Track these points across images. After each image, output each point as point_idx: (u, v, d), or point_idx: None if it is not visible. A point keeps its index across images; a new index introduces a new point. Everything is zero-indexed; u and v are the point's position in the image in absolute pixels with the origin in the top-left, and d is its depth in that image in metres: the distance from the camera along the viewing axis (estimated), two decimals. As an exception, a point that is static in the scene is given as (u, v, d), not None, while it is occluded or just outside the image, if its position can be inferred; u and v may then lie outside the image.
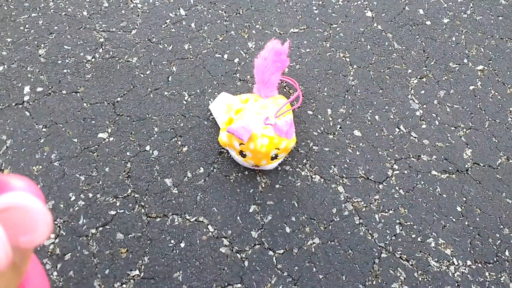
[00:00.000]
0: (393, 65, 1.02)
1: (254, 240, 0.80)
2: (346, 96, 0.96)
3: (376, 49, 1.04)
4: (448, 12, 1.13)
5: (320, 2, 1.10)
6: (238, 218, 0.81)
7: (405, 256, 0.80)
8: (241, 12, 1.06)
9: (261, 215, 0.82)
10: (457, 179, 0.89)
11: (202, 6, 1.06)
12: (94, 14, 1.02)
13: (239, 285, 0.75)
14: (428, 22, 1.10)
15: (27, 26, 0.98)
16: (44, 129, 0.86)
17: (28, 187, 0.19)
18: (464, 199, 0.87)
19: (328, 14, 1.08)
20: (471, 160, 0.91)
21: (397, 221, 0.83)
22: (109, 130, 0.87)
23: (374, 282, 0.77)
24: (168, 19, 1.03)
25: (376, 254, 0.80)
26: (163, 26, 1.02)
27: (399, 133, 0.93)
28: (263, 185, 0.85)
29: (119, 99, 0.91)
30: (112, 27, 1.01)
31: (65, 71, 0.93)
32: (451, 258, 0.81)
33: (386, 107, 0.96)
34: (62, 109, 0.88)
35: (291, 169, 0.87)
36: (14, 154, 0.82)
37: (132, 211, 0.80)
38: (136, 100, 0.91)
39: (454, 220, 0.84)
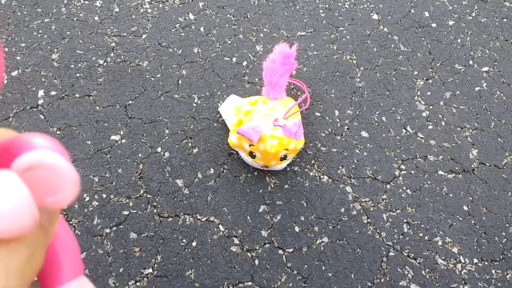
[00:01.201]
0: (400, 67, 1.03)
1: (264, 239, 0.81)
2: (353, 97, 0.98)
3: (382, 51, 1.05)
4: (453, 14, 1.14)
5: (327, 6, 1.12)
6: (248, 217, 0.83)
7: (412, 255, 0.82)
8: (249, 16, 1.08)
9: (271, 215, 0.84)
10: (464, 178, 0.90)
11: (211, 11, 1.08)
12: (105, 19, 1.04)
13: (250, 283, 0.77)
14: (434, 25, 1.11)
15: (40, 31, 1.00)
16: (58, 132, 0.88)
17: (52, 145, 0.18)
18: (471, 198, 0.88)
19: (334, 17, 1.10)
20: (477, 160, 0.92)
21: (405, 220, 0.85)
22: (121, 132, 0.89)
23: (382, 280, 0.79)
24: (177, 24, 1.05)
25: (384, 252, 0.82)
26: (172, 30, 1.04)
27: (406, 134, 0.94)
28: (272, 186, 0.87)
29: (130, 102, 0.93)
30: (123, 32, 1.03)
31: (77, 75, 0.95)
32: (458, 256, 0.82)
33: (393, 108, 0.97)
34: (76, 112, 0.90)
35: (299, 170, 0.88)
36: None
37: (144, 211, 0.81)
38: (147, 103, 0.93)
39: (460, 219, 0.86)
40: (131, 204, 0.82)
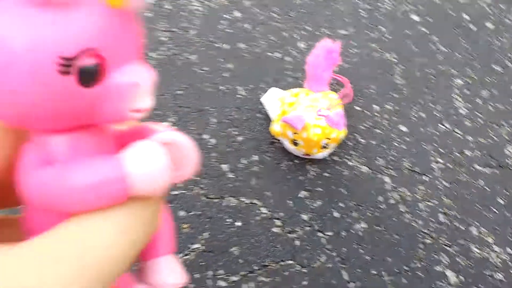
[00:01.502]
0: (438, 66, 1.06)
1: (305, 222, 0.85)
2: (392, 94, 1.01)
3: (422, 51, 1.08)
4: (491, 17, 1.16)
5: (368, 6, 1.16)
6: (289, 202, 0.87)
7: (448, 243, 0.84)
8: (292, 15, 1.13)
9: (311, 200, 0.88)
10: (499, 173, 0.92)
11: (256, 9, 1.14)
12: (157, 16, 1.10)
13: (290, 261, 0.81)
14: (472, 26, 1.14)
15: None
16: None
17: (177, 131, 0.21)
18: (506, 192, 0.90)
19: (375, 17, 1.14)
20: (513, 156, 0.95)
21: (441, 210, 0.88)
22: (171, 120, 0.95)
23: (418, 265, 0.82)
24: (224, 20, 1.11)
25: (421, 239, 0.85)
26: (220, 27, 1.10)
27: (443, 129, 0.97)
28: (313, 173, 0.91)
29: (179, 92, 0.99)
30: (173, 27, 1.09)
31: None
32: (492, 245, 0.84)
33: (431, 105, 1.00)
34: (129, 99, 0.96)
35: (339, 159, 0.92)
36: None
37: (192, 191, 0.87)
38: (195, 94, 0.99)
39: (496, 211, 0.88)
40: (180, 185, 0.87)
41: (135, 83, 0.18)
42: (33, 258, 0.16)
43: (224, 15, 1.12)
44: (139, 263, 0.24)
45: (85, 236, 0.17)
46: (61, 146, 0.19)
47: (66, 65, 0.16)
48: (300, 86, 1.00)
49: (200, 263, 0.80)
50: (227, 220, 0.84)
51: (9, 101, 0.17)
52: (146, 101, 0.19)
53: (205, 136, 0.94)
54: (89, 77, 0.17)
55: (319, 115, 0.84)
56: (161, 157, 0.19)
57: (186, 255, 0.80)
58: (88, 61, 0.16)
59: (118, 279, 0.18)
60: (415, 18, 1.15)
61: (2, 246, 0.16)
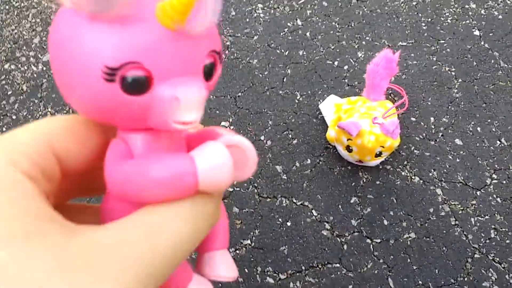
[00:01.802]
0: (498, 82, 1.05)
1: (354, 228, 0.87)
2: (449, 107, 1.02)
3: (482, 66, 1.08)
4: (558, 35, 1.14)
5: (429, 20, 1.16)
6: (340, 206, 0.89)
7: (498, 259, 0.84)
8: (352, 25, 1.15)
9: (361, 207, 0.89)
10: (557, 193, 0.91)
11: (317, 18, 1.16)
12: (222, 21, 1.15)
13: (337, 264, 0.83)
14: (537, 44, 1.12)
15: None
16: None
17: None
18: None
19: (436, 30, 1.14)
20: None
21: (493, 226, 0.87)
22: (231, 120, 0.99)
23: (465, 279, 0.82)
24: (286, 28, 1.14)
25: (470, 254, 0.84)
26: (281, 34, 1.13)
27: (500, 145, 0.96)
28: (365, 180, 0.92)
29: (240, 94, 1.03)
30: (237, 32, 1.13)
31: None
32: (546, 266, 0.83)
33: (489, 120, 1.00)
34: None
35: (391, 169, 0.94)
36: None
37: (246, 190, 0.90)
38: (254, 96, 1.03)
39: (551, 231, 0.87)
40: (234, 182, 0.91)
41: (176, 98, 0.19)
42: (110, 240, 0.18)
43: (287, 23, 1.15)
44: (196, 254, 0.27)
45: (156, 223, 0.20)
46: (138, 143, 0.22)
47: (110, 73, 0.18)
48: (357, 94, 1.02)
49: (251, 259, 0.83)
50: (278, 219, 0.87)
51: (74, 99, 0.20)
52: (190, 115, 0.20)
53: (261, 138, 0.97)
54: (133, 86, 0.19)
55: (375, 123, 0.86)
56: (227, 158, 0.21)
57: (237, 249, 0.83)
58: (132, 73, 0.18)
59: (179, 266, 0.21)
60: (476, 32, 1.14)
61: (84, 226, 0.19)
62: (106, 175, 0.21)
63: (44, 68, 1.15)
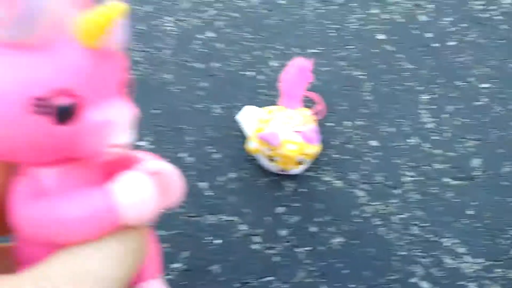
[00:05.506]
0: (405, 83, 1.10)
1: (283, 238, 0.87)
2: (362, 110, 1.05)
3: (389, 68, 1.12)
4: (454, 36, 1.22)
5: (336, 26, 1.20)
6: (267, 218, 0.88)
7: (422, 254, 0.87)
8: (264, 35, 1.16)
9: (288, 216, 0.89)
10: (468, 185, 0.96)
11: (229, 30, 1.16)
12: (131, 36, 1.11)
13: (271, 277, 0.82)
14: (437, 44, 1.19)
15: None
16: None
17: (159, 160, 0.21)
18: (475, 203, 0.94)
19: (343, 37, 1.18)
20: (480, 169, 0.99)
21: (414, 223, 0.91)
22: (148, 139, 0.95)
23: (394, 277, 0.84)
24: (199, 41, 1.12)
25: (395, 252, 0.87)
26: (193, 46, 1.11)
27: (412, 143, 1.01)
28: (289, 189, 0.92)
29: (155, 111, 1.00)
30: (147, 47, 1.10)
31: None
32: (465, 256, 0.88)
33: (400, 120, 1.04)
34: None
35: (314, 175, 0.94)
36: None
37: (172, 210, 0.87)
38: (171, 113, 1.00)
39: (466, 222, 0.91)
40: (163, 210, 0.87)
41: (109, 121, 0.19)
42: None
43: (198, 35, 1.13)
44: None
45: (78, 265, 0.18)
46: (51, 178, 0.20)
47: (39, 105, 0.17)
48: (274, 103, 1.02)
49: (181, 283, 0.80)
50: (207, 238, 0.85)
51: None
52: (123, 136, 0.20)
53: (181, 155, 0.94)
54: (64, 115, 0.17)
55: (295, 131, 0.86)
56: (149, 187, 0.20)
57: (167, 274, 0.80)
58: (62, 100, 0.17)
59: None
60: (381, 36, 1.19)
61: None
62: (15, 217, 0.19)
63: None
